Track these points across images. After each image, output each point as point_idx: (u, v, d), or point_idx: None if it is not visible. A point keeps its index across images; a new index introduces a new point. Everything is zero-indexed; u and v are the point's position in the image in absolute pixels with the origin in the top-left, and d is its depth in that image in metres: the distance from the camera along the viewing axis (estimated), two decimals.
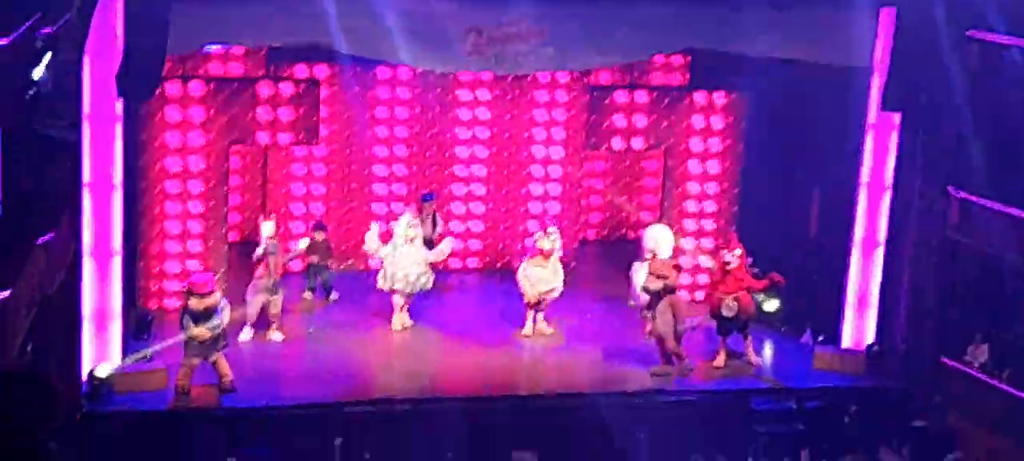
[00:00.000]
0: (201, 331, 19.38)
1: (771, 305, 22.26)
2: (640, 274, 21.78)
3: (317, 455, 19.13)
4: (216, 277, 20.55)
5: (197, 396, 19.51)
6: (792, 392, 21.28)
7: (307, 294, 23.17)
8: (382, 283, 22.26)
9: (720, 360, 21.73)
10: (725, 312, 21.31)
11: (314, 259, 23.01)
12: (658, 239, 22.05)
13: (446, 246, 22.92)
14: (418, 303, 22.75)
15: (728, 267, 21.30)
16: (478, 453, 19.29)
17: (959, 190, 21.47)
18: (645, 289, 20.95)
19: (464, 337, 22.43)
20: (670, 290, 20.77)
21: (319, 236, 22.99)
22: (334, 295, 23.28)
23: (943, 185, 21.67)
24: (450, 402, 20.14)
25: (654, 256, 21.30)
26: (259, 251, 21.50)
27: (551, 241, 22.16)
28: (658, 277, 20.80)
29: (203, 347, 19.53)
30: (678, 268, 21.69)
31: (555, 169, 25.29)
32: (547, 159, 25.25)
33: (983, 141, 21.17)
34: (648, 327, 21.34)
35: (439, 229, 23.78)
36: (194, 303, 19.47)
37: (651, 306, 20.89)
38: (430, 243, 23.10)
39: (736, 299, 21.24)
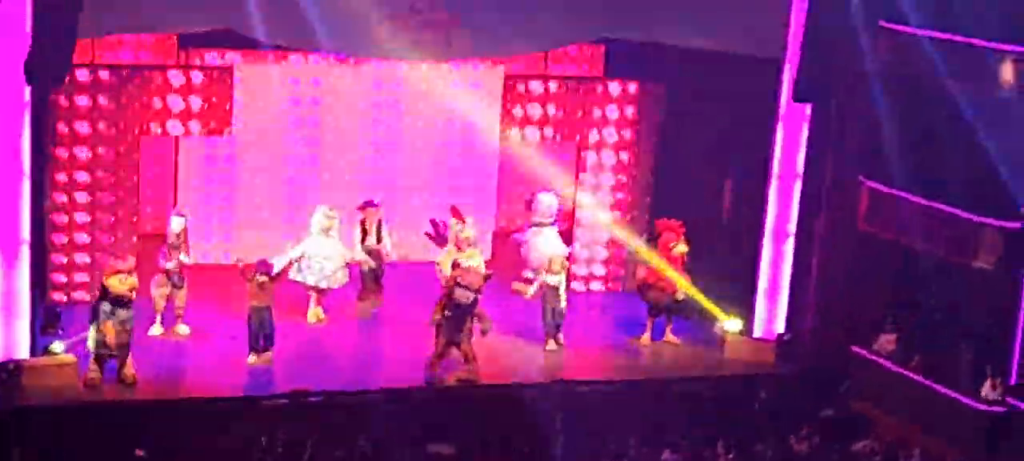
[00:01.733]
0: (111, 327, 19.09)
1: (681, 293, 22.56)
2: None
3: (231, 449, 18.91)
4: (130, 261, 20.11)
5: (106, 389, 19.24)
6: (704, 380, 21.46)
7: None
8: (295, 275, 22.07)
9: (646, 339, 22.50)
10: (678, 297, 22.13)
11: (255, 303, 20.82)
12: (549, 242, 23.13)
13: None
14: (334, 297, 22.62)
15: (682, 257, 22.06)
16: (393, 445, 19.19)
17: (870, 179, 21.77)
18: (456, 302, 20.32)
19: (383, 329, 22.35)
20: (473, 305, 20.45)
21: (261, 279, 20.68)
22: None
23: (854, 174, 21.96)
24: (367, 395, 20.04)
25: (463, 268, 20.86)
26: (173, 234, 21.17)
27: (469, 230, 22.16)
28: (467, 288, 20.26)
29: (115, 346, 19.25)
30: (488, 277, 20.93)
31: (470, 158, 25.24)
32: (462, 148, 25.20)
33: (894, 131, 21.49)
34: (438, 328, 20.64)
35: (387, 242, 22.95)
36: (115, 284, 19.14)
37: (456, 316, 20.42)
38: (378, 255, 22.74)
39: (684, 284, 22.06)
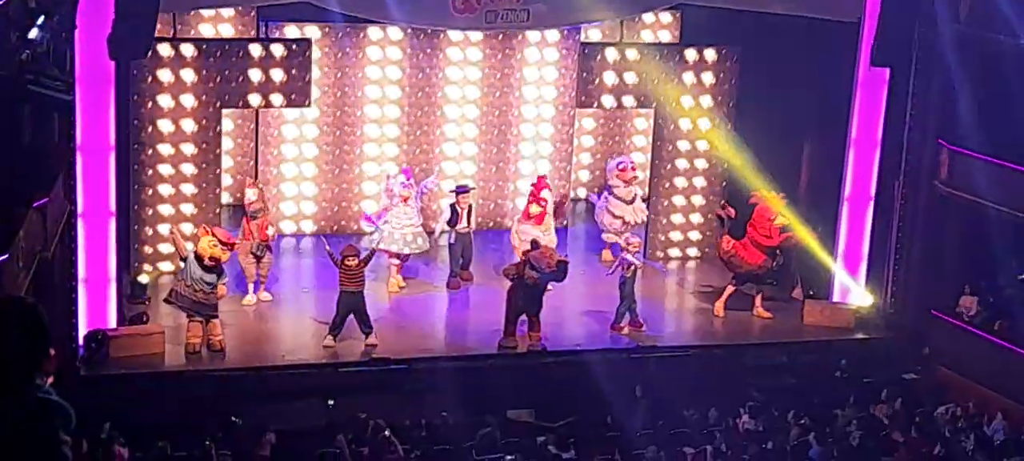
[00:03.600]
0: (191, 281, 19.42)
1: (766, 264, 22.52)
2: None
3: (312, 415, 19.19)
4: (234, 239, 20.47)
5: (193, 358, 19.62)
6: (783, 346, 21.43)
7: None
8: (380, 244, 22.30)
9: (719, 308, 22.25)
10: (764, 266, 21.78)
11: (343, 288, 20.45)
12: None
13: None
14: (413, 262, 22.84)
15: (783, 230, 21.72)
16: (473, 411, 19.37)
17: (949, 143, 21.59)
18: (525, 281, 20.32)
19: (457, 297, 22.56)
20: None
21: (350, 261, 20.36)
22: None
23: (933, 138, 21.79)
24: (445, 361, 20.25)
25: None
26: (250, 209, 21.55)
27: (541, 204, 22.26)
28: (538, 270, 20.22)
29: (192, 303, 19.58)
30: (562, 263, 20.50)
31: (545, 128, 25.34)
32: (538, 118, 25.30)
33: (973, 94, 21.30)
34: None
35: (474, 222, 23.17)
36: (203, 246, 19.44)
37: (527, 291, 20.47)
38: (469, 237, 22.92)
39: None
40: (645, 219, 23.84)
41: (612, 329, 21.50)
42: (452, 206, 22.88)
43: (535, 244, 20.68)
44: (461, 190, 22.99)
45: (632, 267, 21.25)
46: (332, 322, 20.37)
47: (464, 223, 22.81)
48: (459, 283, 22.92)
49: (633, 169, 23.80)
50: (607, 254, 23.64)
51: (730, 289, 22.27)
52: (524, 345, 20.59)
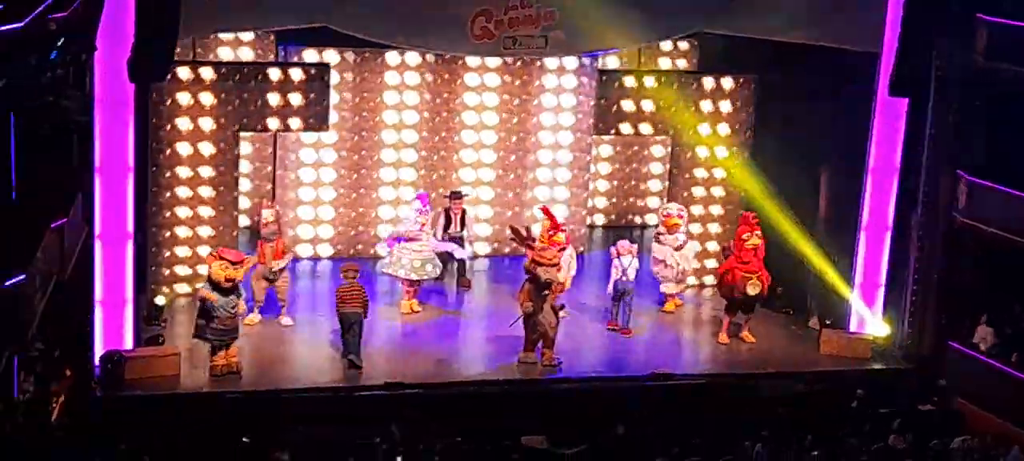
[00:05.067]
0: (220, 311, 19.45)
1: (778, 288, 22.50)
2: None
3: (331, 439, 19.18)
4: (246, 257, 20.51)
5: (209, 380, 19.65)
6: (799, 376, 21.37)
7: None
8: (387, 268, 22.44)
9: (723, 337, 22.28)
10: (750, 291, 21.80)
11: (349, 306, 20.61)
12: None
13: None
14: (428, 287, 22.89)
15: (755, 249, 21.82)
16: (487, 437, 19.35)
17: (967, 173, 21.54)
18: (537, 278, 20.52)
19: (472, 323, 22.56)
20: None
21: (352, 278, 20.64)
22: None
23: (951, 168, 21.75)
24: (459, 387, 20.25)
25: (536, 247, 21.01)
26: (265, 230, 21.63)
27: (564, 233, 22.22)
28: (553, 266, 20.59)
29: (219, 332, 19.61)
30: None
31: (563, 154, 25.35)
32: (555, 144, 25.32)
33: (990, 125, 21.26)
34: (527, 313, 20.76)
35: (469, 229, 23.84)
36: (215, 270, 19.50)
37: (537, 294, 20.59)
38: (460, 241, 23.42)
39: (759, 278, 21.76)
40: (689, 267, 23.46)
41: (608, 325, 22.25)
42: (446, 212, 23.30)
43: (532, 248, 20.82)
44: (455, 196, 23.51)
45: (624, 274, 21.91)
46: (346, 344, 20.46)
47: (457, 228, 23.23)
48: (469, 283, 23.68)
49: (679, 215, 23.22)
50: (668, 305, 23.46)
51: (726, 318, 22.34)
52: (540, 365, 20.71)
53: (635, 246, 22.75)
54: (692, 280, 24.53)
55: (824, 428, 20.10)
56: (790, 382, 21.24)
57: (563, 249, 21.47)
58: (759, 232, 21.99)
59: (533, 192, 25.37)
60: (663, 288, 23.44)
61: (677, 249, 23.03)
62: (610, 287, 22.35)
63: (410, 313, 22.57)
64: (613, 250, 22.50)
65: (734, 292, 22.01)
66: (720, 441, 19.41)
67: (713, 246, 24.76)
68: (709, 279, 24.75)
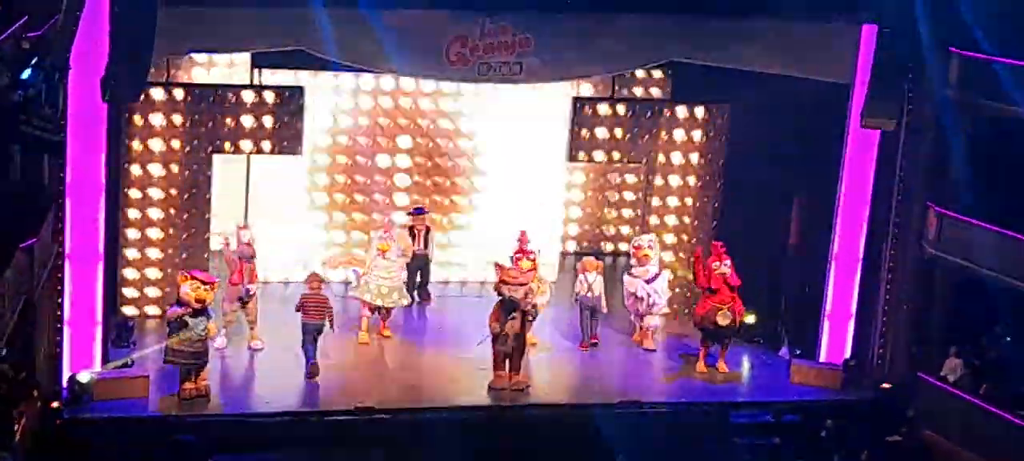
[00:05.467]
0: (189, 335, 19.34)
1: (750, 318, 22.48)
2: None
3: None
4: (215, 280, 20.35)
5: (176, 403, 19.52)
6: (769, 405, 21.40)
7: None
8: (355, 292, 22.44)
9: (701, 366, 22.23)
10: (721, 320, 21.77)
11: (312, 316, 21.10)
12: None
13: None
14: (400, 314, 22.86)
15: (724, 278, 21.74)
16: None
17: (937, 205, 21.66)
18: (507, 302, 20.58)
19: (445, 347, 22.55)
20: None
21: (317, 287, 21.29)
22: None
23: (922, 200, 21.87)
24: (430, 412, 20.18)
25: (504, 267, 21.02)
26: (229, 252, 21.55)
27: (531, 259, 22.19)
28: (520, 285, 20.58)
29: (191, 356, 19.50)
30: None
31: (536, 181, 25.39)
32: (528, 171, 25.35)
33: (963, 157, 21.40)
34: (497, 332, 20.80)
35: (432, 245, 24.10)
36: (187, 291, 19.37)
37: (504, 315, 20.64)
38: (425, 259, 23.63)
39: (731, 309, 21.72)
40: (662, 301, 23.14)
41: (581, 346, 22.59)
42: (410, 229, 23.60)
43: (499, 267, 20.90)
44: (417, 212, 23.95)
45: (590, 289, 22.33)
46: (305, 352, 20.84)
47: (421, 245, 23.65)
48: (428, 297, 24.14)
49: (649, 247, 22.94)
50: (636, 336, 23.37)
51: (701, 349, 22.35)
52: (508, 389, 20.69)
53: (600, 263, 23.03)
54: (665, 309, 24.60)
55: (794, 458, 20.17)
56: (761, 411, 21.27)
57: (531, 271, 21.46)
58: (728, 262, 21.97)
59: (506, 218, 25.33)
60: (633, 319, 23.34)
61: (648, 282, 22.96)
62: (574, 299, 22.55)
63: (367, 341, 22.42)
64: (578, 265, 22.82)
65: (705, 322, 22.03)
66: None
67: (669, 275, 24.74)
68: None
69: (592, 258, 23.06)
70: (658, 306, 23.05)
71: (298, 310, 20.87)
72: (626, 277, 23.12)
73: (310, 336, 20.79)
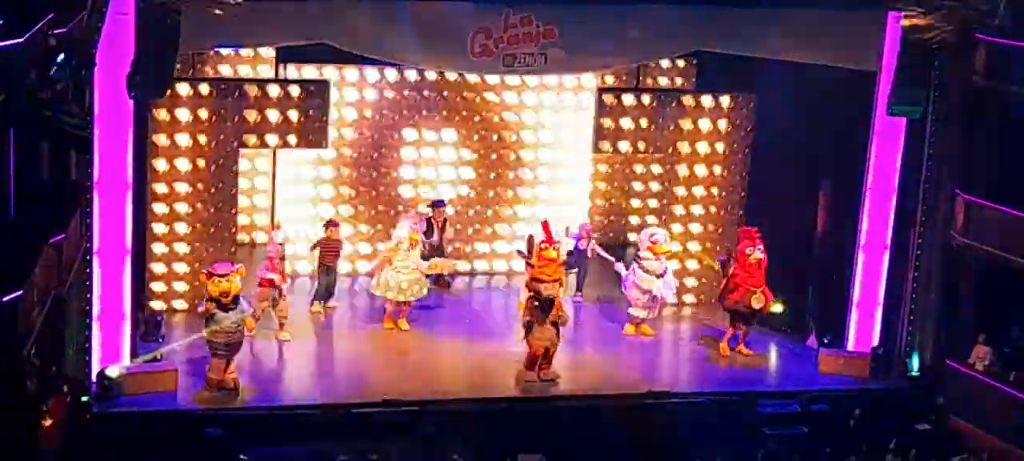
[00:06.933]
0: (225, 323, 19.42)
1: (777, 306, 22.45)
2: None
3: (325, 456, 19.16)
4: (235, 267, 20.34)
5: (206, 398, 19.61)
6: (797, 395, 21.37)
7: (316, 306, 23.08)
8: (375, 289, 22.45)
9: (725, 348, 22.42)
10: (755, 304, 21.92)
11: (327, 259, 22.83)
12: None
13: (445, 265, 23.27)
14: (418, 306, 22.91)
15: (759, 262, 21.87)
16: (484, 455, 19.33)
17: (965, 193, 21.56)
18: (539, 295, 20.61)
19: (471, 339, 22.57)
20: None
21: (334, 234, 22.85)
22: (333, 302, 23.25)
23: (949, 187, 21.77)
24: (456, 403, 20.21)
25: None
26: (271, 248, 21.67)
27: (556, 248, 22.14)
28: (554, 282, 20.57)
29: (228, 346, 19.58)
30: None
31: (561, 172, 25.37)
32: (553, 162, 25.36)
33: (990, 144, 21.30)
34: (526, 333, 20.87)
35: (449, 235, 24.16)
36: (212, 287, 19.47)
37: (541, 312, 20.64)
38: (441, 250, 23.62)
39: (763, 293, 21.87)
40: (669, 296, 23.25)
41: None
42: (428, 220, 23.67)
43: (529, 265, 20.97)
44: (437, 204, 24.01)
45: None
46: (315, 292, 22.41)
47: (439, 237, 23.78)
48: (448, 284, 24.53)
49: (667, 242, 22.99)
50: (630, 327, 23.25)
51: (729, 330, 22.47)
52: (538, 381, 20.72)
53: (596, 234, 24.12)
54: (689, 297, 24.62)
55: (822, 447, 20.13)
56: (788, 401, 21.24)
57: (563, 264, 21.41)
58: (761, 247, 21.98)
59: (531, 209, 25.37)
60: (632, 311, 23.12)
61: (659, 276, 22.87)
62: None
63: (394, 327, 22.50)
64: (578, 230, 23.72)
65: (739, 305, 22.03)
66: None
67: (692, 265, 24.70)
68: (689, 298, 24.77)
69: (588, 225, 24.34)
70: (665, 302, 23.09)
71: (314, 248, 22.64)
72: (637, 272, 22.83)
73: (325, 276, 22.48)
